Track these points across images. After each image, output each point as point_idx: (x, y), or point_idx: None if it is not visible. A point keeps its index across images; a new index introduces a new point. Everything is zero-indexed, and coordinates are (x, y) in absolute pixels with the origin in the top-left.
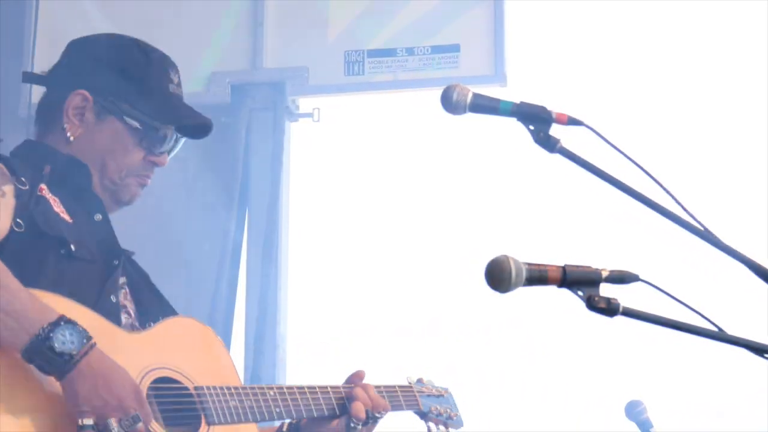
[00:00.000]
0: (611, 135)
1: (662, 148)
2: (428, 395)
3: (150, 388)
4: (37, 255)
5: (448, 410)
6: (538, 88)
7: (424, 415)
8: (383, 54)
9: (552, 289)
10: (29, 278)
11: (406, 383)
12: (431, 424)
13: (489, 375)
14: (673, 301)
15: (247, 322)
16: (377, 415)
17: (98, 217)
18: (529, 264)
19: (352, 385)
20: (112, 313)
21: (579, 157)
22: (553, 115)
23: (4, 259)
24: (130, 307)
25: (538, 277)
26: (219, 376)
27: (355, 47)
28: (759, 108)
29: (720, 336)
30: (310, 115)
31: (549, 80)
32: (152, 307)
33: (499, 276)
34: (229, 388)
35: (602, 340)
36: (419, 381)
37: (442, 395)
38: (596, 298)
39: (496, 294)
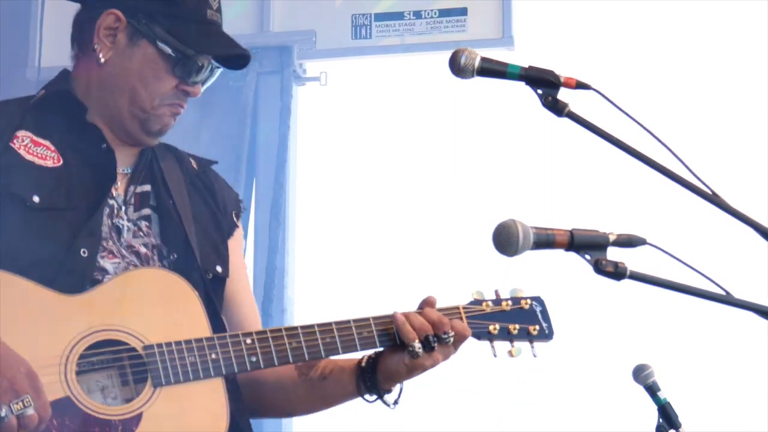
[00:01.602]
0: (619, 99)
1: (671, 112)
2: (490, 313)
3: (83, 356)
4: None
5: (524, 325)
6: (546, 51)
7: (478, 337)
8: (390, 18)
9: (560, 253)
10: None
11: (471, 298)
12: (496, 344)
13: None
14: (681, 264)
15: (255, 286)
16: (443, 336)
17: (104, 146)
18: (537, 228)
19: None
20: (77, 269)
21: (587, 121)
22: (562, 79)
23: None
24: (148, 242)
25: (545, 241)
26: (184, 332)
27: (362, 11)
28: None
29: (727, 299)
30: (317, 78)
31: (557, 44)
32: (176, 245)
33: (506, 240)
34: (188, 342)
35: (610, 305)
36: (495, 294)
37: (522, 308)
38: (604, 262)
39: (504, 258)
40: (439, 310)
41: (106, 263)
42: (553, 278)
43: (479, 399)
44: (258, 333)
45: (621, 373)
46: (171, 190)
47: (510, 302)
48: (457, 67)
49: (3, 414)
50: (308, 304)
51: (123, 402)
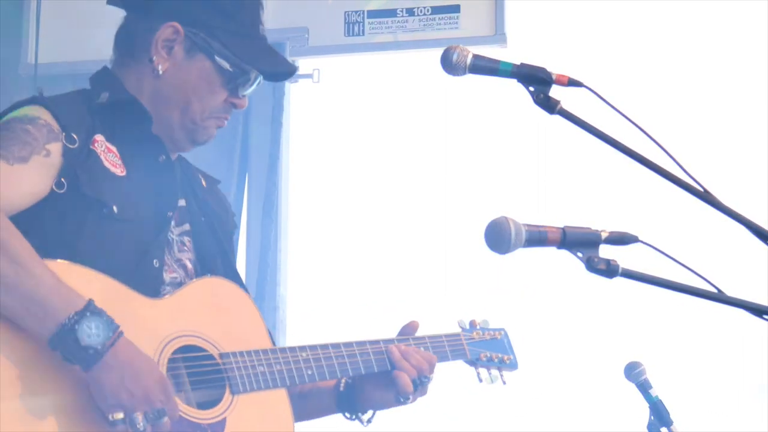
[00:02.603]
0: (611, 96)
1: (663, 109)
2: (479, 341)
3: (171, 360)
4: (77, 216)
5: (500, 354)
6: (539, 49)
7: (472, 363)
8: (383, 14)
9: (552, 251)
10: (68, 240)
11: (456, 329)
12: (481, 371)
13: None
14: (673, 262)
15: (247, 284)
16: (424, 380)
17: (162, 158)
18: (529, 225)
19: (394, 339)
20: (149, 280)
21: (579, 119)
22: (553, 77)
23: (45, 219)
24: (191, 257)
25: (537, 238)
26: (248, 340)
27: (355, 7)
28: (759, 65)
29: (719, 297)
30: (310, 75)
31: (549, 41)
32: (211, 259)
33: (498, 237)
34: (257, 353)
35: (602, 302)
36: (471, 324)
37: (496, 338)
38: (596, 260)
39: (496, 255)
40: (445, 336)
41: (166, 275)
42: (545, 276)
43: (473, 399)
44: (311, 347)
45: (613, 371)
46: (201, 207)
47: (491, 332)
48: (449, 65)
49: (141, 427)
50: (301, 302)
51: (196, 406)
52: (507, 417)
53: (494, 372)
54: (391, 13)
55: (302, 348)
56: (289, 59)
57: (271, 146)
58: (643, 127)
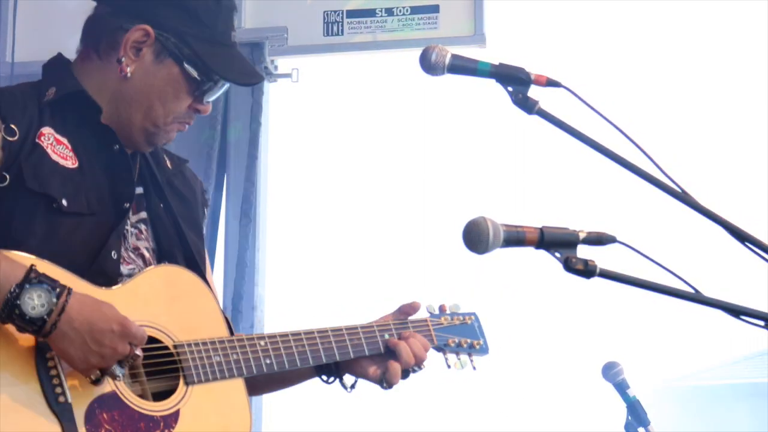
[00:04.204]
0: (590, 96)
1: (641, 109)
2: (447, 326)
3: None
4: (24, 211)
5: (470, 339)
6: (518, 49)
7: (439, 349)
8: (362, 14)
9: (529, 251)
10: (17, 238)
11: (425, 314)
12: (449, 357)
13: None
14: (650, 262)
15: (225, 283)
16: (417, 369)
17: (116, 147)
18: (507, 225)
19: (390, 324)
20: (108, 273)
21: (557, 119)
22: (532, 77)
23: None
24: (148, 246)
25: (515, 238)
26: (204, 329)
27: (334, 7)
28: (735, 63)
29: (696, 297)
30: (288, 75)
31: (528, 41)
32: (170, 249)
33: (476, 237)
34: (213, 342)
35: (579, 302)
36: (441, 309)
37: (466, 323)
38: (573, 260)
39: (474, 255)
40: (411, 322)
41: (123, 267)
42: (524, 276)
43: (449, 401)
44: (269, 336)
45: (590, 371)
46: (160, 193)
47: (460, 317)
48: (428, 64)
49: (122, 375)
50: (278, 301)
51: (152, 397)
52: (485, 415)
53: (464, 357)
54: (370, 13)
55: (260, 336)
56: (268, 59)
57: (250, 146)
58: (621, 128)
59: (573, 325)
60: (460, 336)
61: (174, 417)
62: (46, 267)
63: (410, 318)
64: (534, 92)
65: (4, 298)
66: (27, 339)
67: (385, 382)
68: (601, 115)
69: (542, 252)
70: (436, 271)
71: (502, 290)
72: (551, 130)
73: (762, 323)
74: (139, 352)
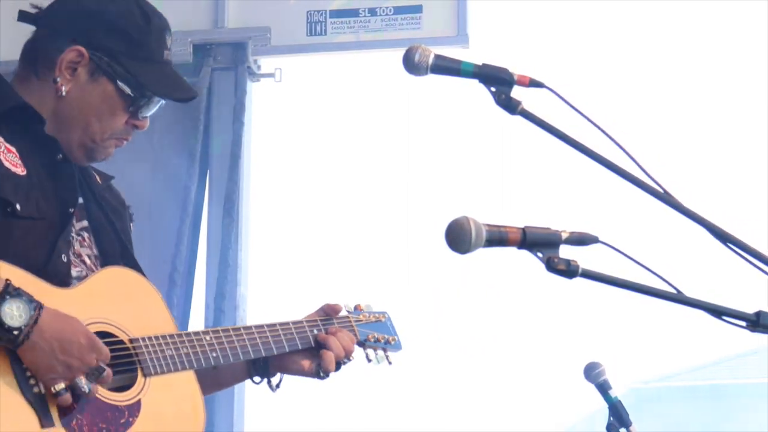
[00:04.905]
0: (574, 97)
1: (624, 110)
2: (366, 323)
3: None
4: None
5: (386, 336)
6: (501, 49)
7: (361, 344)
8: (345, 14)
9: (512, 251)
10: None
11: (344, 312)
12: (369, 351)
13: (450, 337)
14: (633, 263)
15: (208, 283)
16: (347, 361)
17: (59, 156)
18: (489, 225)
19: (317, 320)
20: (59, 276)
21: (540, 120)
22: (515, 77)
23: None
24: (90, 253)
25: (498, 238)
26: (154, 325)
27: (317, 7)
28: (718, 62)
29: (678, 298)
30: (272, 75)
31: (512, 42)
32: (112, 251)
33: (459, 237)
34: (164, 337)
35: (561, 303)
36: (356, 308)
37: (380, 320)
38: (556, 260)
39: (456, 255)
40: (336, 318)
41: (72, 270)
42: (508, 276)
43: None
44: (213, 331)
45: (572, 372)
46: (98, 204)
47: (375, 315)
48: (411, 65)
49: (87, 389)
50: (261, 301)
51: (112, 390)
52: (469, 413)
53: (380, 353)
54: (353, 12)
55: (205, 332)
56: (251, 59)
57: (233, 146)
58: (603, 129)
59: (556, 326)
60: (378, 332)
61: (136, 406)
62: (9, 270)
63: (336, 317)
64: (517, 93)
65: None
66: None
67: (321, 371)
68: (584, 116)
69: (525, 252)
70: (421, 271)
71: (487, 290)
72: (535, 130)
73: (743, 324)
74: (106, 368)
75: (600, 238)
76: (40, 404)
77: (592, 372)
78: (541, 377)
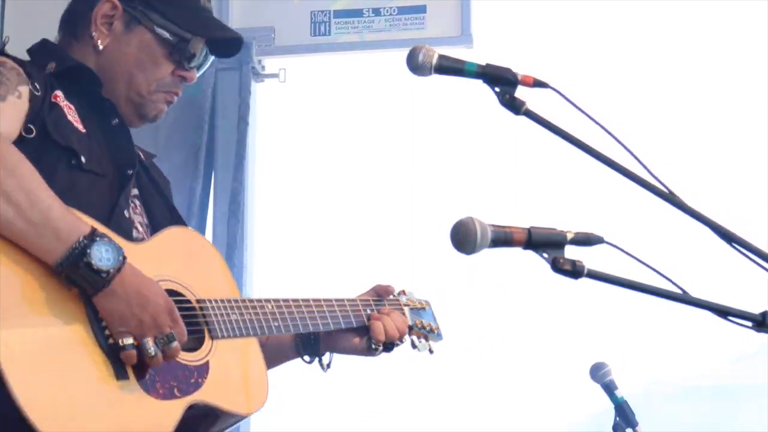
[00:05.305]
0: (578, 97)
1: (629, 110)
2: (413, 308)
3: None
4: (46, 164)
5: (430, 324)
6: (505, 49)
7: (408, 329)
8: (349, 14)
9: (517, 251)
10: None
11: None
12: (414, 338)
13: (456, 337)
14: (638, 263)
15: None
16: (398, 343)
17: (115, 121)
18: (494, 226)
19: (370, 300)
20: (123, 230)
21: (545, 120)
22: (519, 77)
23: None
24: (142, 220)
25: (503, 239)
26: (218, 288)
27: (321, 7)
28: (726, 63)
29: (684, 298)
30: (276, 75)
31: (515, 42)
32: (163, 221)
33: (464, 237)
34: (229, 301)
35: (567, 303)
36: (401, 293)
37: (424, 308)
38: (561, 260)
39: (462, 256)
40: (387, 300)
41: (132, 230)
42: (511, 278)
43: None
44: (275, 300)
45: (578, 372)
46: (147, 174)
47: (420, 302)
48: (415, 65)
49: (153, 353)
50: None
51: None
52: (475, 413)
53: (423, 341)
54: (357, 13)
55: (267, 300)
56: (255, 59)
57: (238, 146)
58: (608, 129)
59: (560, 326)
60: (423, 319)
61: (205, 368)
62: (87, 219)
63: (387, 299)
64: (521, 93)
65: (70, 247)
66: (73, 291)
67: (373, 343)
68: (588, 116)
69: (530, 252)
70: (426, 271)
71: (494, 290)
72: (539, 130)
73: (750, 324)
74: (176, 340)
75: (605, 239)
76: (114, 355)
77: (598, 372)
78: (548, 377)
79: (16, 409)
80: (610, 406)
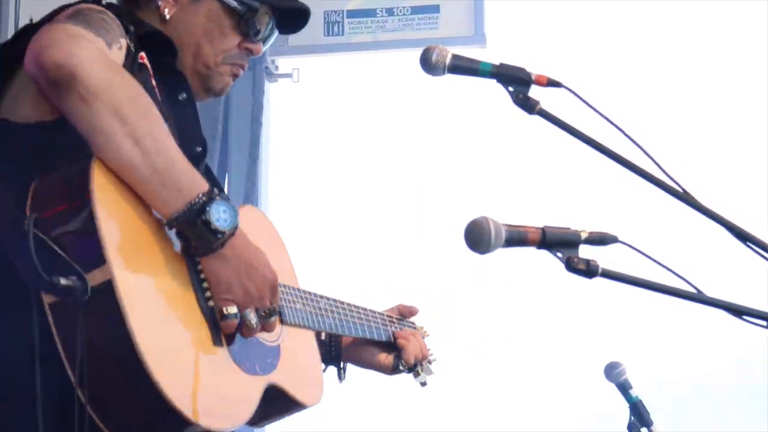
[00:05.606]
0: (591, 96)
1: (643, 109)
2: (424, 337)
3: None
4: None
5: (431, 352)
6: (518, 49)
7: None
8: (363, 14)
9: (531, 251)
10: None
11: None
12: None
13: (470, 337)
14: (653, 262)
15: None
16: (421, 365)
17: (183, 95)
18: (509, 225)
19: (394, 318)
20: None
21: (558, 119)
22: (533, 77)
23: None
24: None
25: (517, 238)
26: (285, 274)
27: (334, 7)
28: (739, 63)
29: (698, 298)
30: (289, 75)
31: (529, 41)
32: None
33: (478, 237)
34: (294, 289)
35: (582, 302)
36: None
37: (426, 336)
38: (575, 260)
39: (476, 255)
40: (407, 323)
41: None
42: (525, 276)
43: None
44: (326, 297)
45: (593, 371)
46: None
47: (423, 330)
48: (429, 65)
49: (254, 324)
50: None
51: None
52: (487, 414)
53: (427, 368)
54: (370, 13)
55: (321, 296)
56: (269, 59)
57: (251, 145)
58: (622, 128)
59: (576, 325)
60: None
61: (277, 350)
62: None
63: (408, 322)
64: (535, 92)
65: (190, 201)
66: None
67: (401, 364)
68: (602, 115)
69: (544, 252)
70: (436, 270)
71: (505, 290)
72: (552, 130)
73: (764, 323)
74: (277, 313)
75: (619, 238)
76: (213, 320)
77: (612, 371)
78: (559, 376)
79: (132, 355)
80: (621, 406)
